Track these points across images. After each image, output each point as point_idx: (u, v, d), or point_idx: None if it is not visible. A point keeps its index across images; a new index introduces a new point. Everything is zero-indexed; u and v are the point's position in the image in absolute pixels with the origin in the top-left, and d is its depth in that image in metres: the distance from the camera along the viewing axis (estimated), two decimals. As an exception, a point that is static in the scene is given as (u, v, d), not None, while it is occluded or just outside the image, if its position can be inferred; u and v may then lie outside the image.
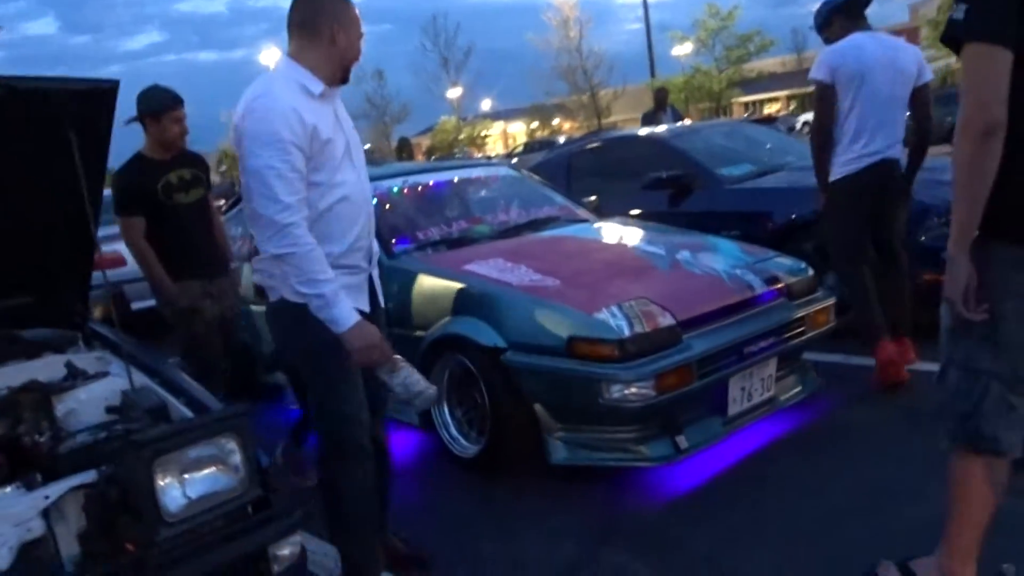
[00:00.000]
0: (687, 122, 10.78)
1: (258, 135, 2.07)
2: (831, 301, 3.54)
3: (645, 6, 31.69)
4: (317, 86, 2.18)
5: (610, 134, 7.45)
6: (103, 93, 2.05)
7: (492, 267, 3.35)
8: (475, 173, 4.63)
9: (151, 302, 3.78)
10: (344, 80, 2.29)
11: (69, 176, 2.09)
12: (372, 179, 3.99)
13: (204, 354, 3.64)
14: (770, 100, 44.91)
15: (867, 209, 3.75)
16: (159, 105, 3.46)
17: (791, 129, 31.86)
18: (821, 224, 3.97)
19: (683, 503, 2.91)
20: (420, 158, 51.15)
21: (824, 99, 3.74)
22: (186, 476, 1.72)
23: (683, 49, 38.67)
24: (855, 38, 3.74)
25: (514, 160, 29.25)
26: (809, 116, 34.42)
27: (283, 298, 2.21)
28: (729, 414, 3.11)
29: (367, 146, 60.81)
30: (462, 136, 52.37)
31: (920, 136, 3.87)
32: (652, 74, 32.86)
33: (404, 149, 57.20)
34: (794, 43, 45.27)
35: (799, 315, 3.34)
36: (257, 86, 2.17)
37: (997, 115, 1.60)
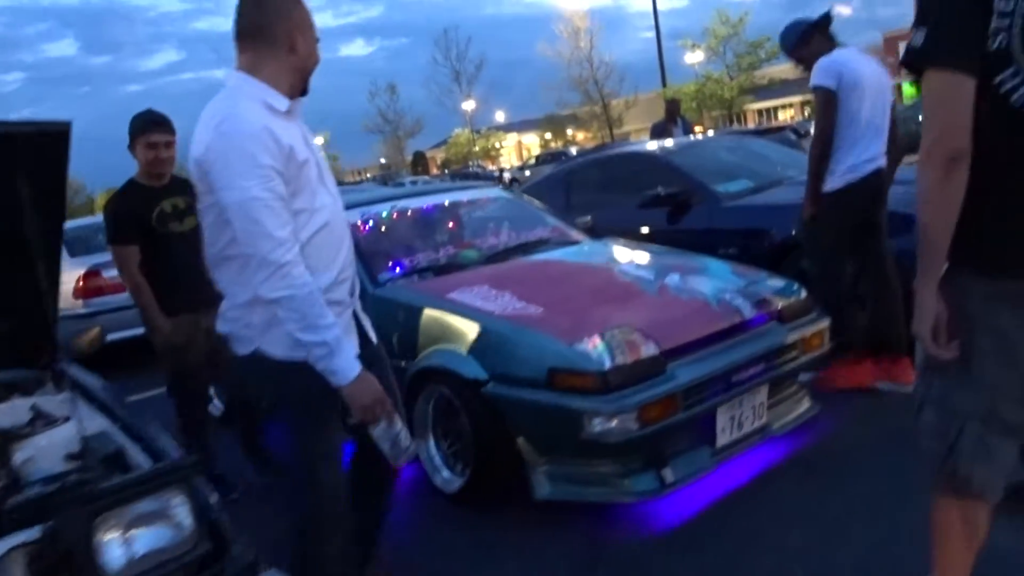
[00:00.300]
0: (698, 131, 10.68)
1: (233, 163, 1.84)
2: (825, 323, 3.45)
3: (655, 15, 31.67)
4: (282, 102, 1.96)
5: (609, 150, 7.39)
6: (55, 135, 2.01)
7: (476, 294, 3.29)
8: (465, 196, 4.57)
9: (140, 330, 3.74)
10: (304, 91, 2.07)
11: (25, 216, 2.07)
12: (360, 204, 4.03)
13: (193, 387, 3.57)
14: (783, 106, 44.70)
15: (861, 218, 3.82)
16: (132, 129, 3.42)
17: (804, 134, 31.67)
18: (809, 230, 3.95)
19: (670, 534, 2.83)
20: (435, 171, 51.44)
21: (830, 105, 3.74)
22: (130, 532, 1.66)
23: (695, 57, 38.63)
24: (845, 52, 3.84)
25: (526, 172, 29.32)
26: (822, 122, 33.73)
27: (259, 350, 2.01)
28: (718, 444, 3.02)
29: (382, 160, 61.06)
30: (476, 148, 52.54)
31: (893, 149, 3.95)
32: (664, 83, 32.81)
33: (419, 163, 57.56)
34: (807, 48, 45.02)
35: (791, 339, 3.25)
36: (216, 109, 1.93)
37: (961, 143, 1.53)
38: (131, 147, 3.43)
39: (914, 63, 1.59)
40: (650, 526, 2.91)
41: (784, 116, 41.48)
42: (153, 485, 1.70)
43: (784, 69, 44.10)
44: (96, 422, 2.18)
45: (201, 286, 3.49)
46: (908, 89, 40.04)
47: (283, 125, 1.93)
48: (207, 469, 3.63)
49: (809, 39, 3.91)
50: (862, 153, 3.76)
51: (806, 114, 44.30)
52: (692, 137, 8.76)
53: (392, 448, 2.10)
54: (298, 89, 2.04)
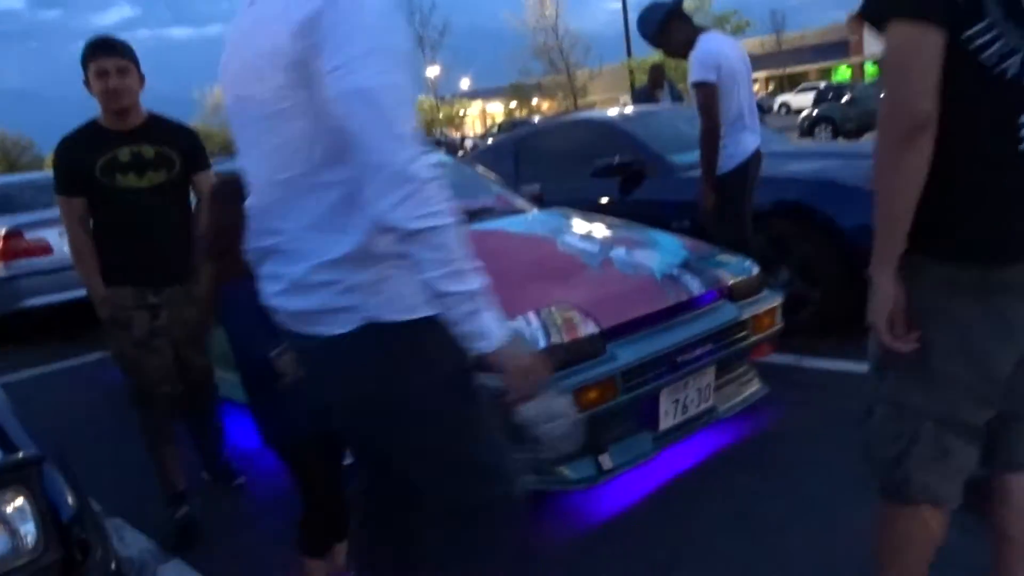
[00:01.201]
0: (686, 100, 9.91)
1: (371, 35, 1.30)
2: (777, 301, 3.28)
3: (622, -16, 31.23)
4: None
5: (560, 117, 7.14)
6: None
7: (406, 266, 3.05)
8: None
9: (66, 294, 3.26)
10: None
11: None
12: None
13: (136, 378, 2.90)
14: (748, 80, 44.72)
15: (750, 196, 4.03)
16: (82, 59, 2.78)
17: (767, 110, 31.88)
18: (714, 214, 4.00)
19: (606, 526, 2.66)
20: (397, 137, 50.60)
21: (712, 99, 3.84)
22: (-43, 541, 1.42)
23: (661, 29, 38.36)
24: (712, 38, 3.97)
25: (489, 140, 28.98)
26: (787, 98, 34.02)
27: (372, 320, 1.43)
28: (661, 429, 2.84)
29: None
30: (440, 115, 51.88)
31: None
32: (629, 54, 32.52)
33: (381, 128, 56.50)
34: (773, 24, 44.89)
35: (741, 318, 3.07)
36: None
37: (925, 108, 1.32)
38: (86, 82, 2.80)
39: (874, 14, 1.38)
40: (585, 518, 2.73)
41: (748, 90, 41.51)
42: (-16, 486, 1.45)
43: (750, 44, 44.13)
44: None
45: (157, 256, 2.87)
46: (870, 68, 40.36)
47: None
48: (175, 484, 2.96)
49: (668, 25, 3.99)
50: (748, 134, 3.98)
51: (769, 89, 44.37)
52: (668, 105, 8.25)
53: (555, 429, 1.57)
54: None
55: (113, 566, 1.60)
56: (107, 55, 2.76)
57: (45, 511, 1.50)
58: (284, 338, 1.65)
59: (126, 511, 3.06)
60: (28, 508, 1.48)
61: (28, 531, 1.47)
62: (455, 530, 1.56)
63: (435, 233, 1.31)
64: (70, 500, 1.60)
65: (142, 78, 2.86)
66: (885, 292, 1.44)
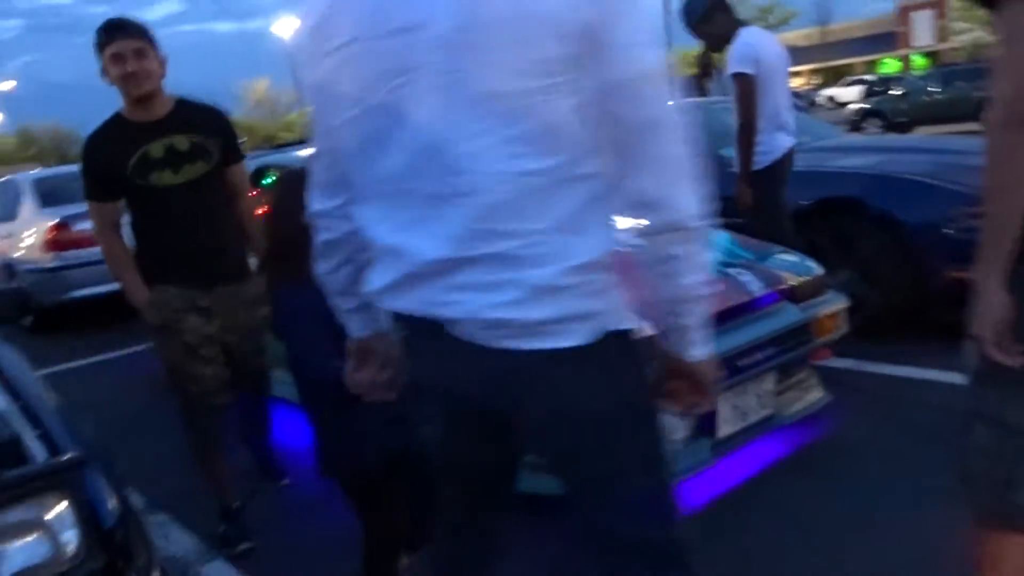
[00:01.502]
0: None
1: (648, 19, 1.17)
2: (842, 304, 3.12)
3: (664, -24, 30.88)
4: None
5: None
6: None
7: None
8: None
9: (114, 286, 3.02)
10: None
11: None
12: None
13: (190, 387, 2.72)
14: (792, 74, 44.04)
15: (783, 193, 4.04)
16: (96, 46, 2.57)
17: (812, 103, 31.29)
18: (753, 214, 3.97)
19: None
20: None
21: (750, 92, 3.80)
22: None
23: (704, 21, 37.86)
24: (752, 32, 3.95)
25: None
26: (834, 91, 33.43)
27: (610, 330, 1.26)
28: (719, 436, 2.71)
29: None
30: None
31: None
32: (669, 45, 32.20)
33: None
34: (818, 15, 43.95)
35: (803, 321, 2.93)
36: None
37: None
38: (104, 71, 2.58)
39: None
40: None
41: (795, 83, 40.81)
42: (26, 490, 1.39)
43: (794, 36, 43.38)
44: (-3, 401, 1.86)
45: (204, 256, 2.67)
46: (919, 60, 39.43)
47: None
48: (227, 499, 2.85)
49: (710, 16, 4.00)
50: (783, 134, 3.99)
51: (812, 82, 43.52)
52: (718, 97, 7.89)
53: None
54: None
55: (156, 574, 1.53)
56: (122, 37, 2.54)
57: (87, 516, 1.44)
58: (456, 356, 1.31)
59: (170, 505, 3.03)
60: (70, 514, 1.42)
61: (69, 538, 1.41)
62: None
63: (704, 232, 1.21)
64: (113, 504, 1.53)
65: (162, 61, 2.65)
66: (993, 300, 1.31)
